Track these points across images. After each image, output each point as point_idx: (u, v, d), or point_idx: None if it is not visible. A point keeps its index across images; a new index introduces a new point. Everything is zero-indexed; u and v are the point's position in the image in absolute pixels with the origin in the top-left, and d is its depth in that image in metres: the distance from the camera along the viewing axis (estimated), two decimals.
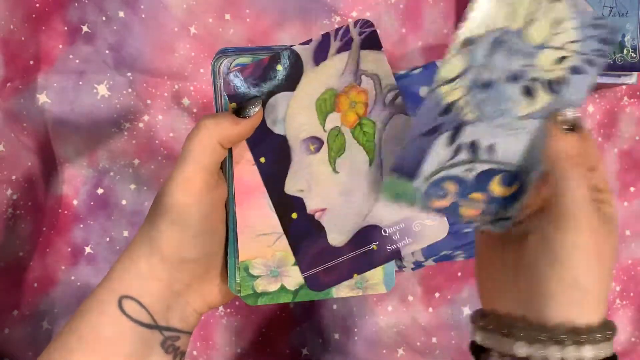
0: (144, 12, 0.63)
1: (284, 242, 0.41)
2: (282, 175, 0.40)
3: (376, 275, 0.42)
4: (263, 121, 0.39)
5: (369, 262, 0.41)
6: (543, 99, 0.37)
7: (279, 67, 0.39)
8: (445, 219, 0.42)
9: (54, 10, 0.62)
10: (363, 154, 0.41)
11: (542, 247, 0.35)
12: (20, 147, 0.60)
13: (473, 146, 0.38)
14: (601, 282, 0.35)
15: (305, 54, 0.39)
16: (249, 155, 0.40)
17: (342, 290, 0.42)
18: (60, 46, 0.62)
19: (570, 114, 0.37)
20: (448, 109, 0.38)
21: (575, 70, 0.37)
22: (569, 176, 0.35)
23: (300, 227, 0.41)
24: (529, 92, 0.37)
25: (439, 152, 0.38)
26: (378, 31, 0.40)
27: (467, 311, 0.68)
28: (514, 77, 0.37)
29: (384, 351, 0.68)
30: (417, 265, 0.63)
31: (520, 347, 0.35)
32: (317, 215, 0.41)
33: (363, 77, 0.40)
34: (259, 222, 0.40)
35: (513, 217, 0.39)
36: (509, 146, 0.38)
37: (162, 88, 0.64)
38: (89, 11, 0.62)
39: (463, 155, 0.38)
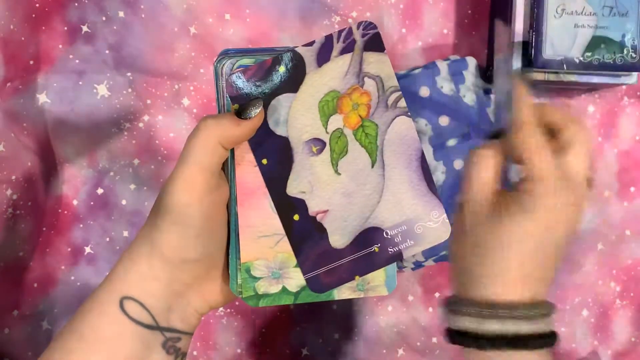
0: (144, 12, 0.62)
1: (285, 243, 0.41)
2: (284, 176, 0.40)
3: (378, 278, 0.42)
4: (265, 122, 0.39)
5: (371, 264, 0.41)
6: None
7: (282, 69, 0.39)
8: (447, 221, 0.42)
9: (54, 10, 0.62)
10: (365, 156, 0.41)
11: (492, 231, 0.40)
12: (20, 147, 0.60)
13: None
14: (526, 264, 0.40)
15: (308, 55, 0.39)
16: (250, 157, 0.40)
17: (343, 292, 0.42)
18: (60, 46, 0.62)
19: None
20: None
21: None
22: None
23: (302, 228, 0.40)
24: None
25: None
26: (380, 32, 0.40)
27: None
28: None
29: (384, 351, 0.68)
30: (417, 265, 0.63)
31: (465, 321, 0.40)
32: (319, 217, 0.41)
33: (366, 78, 0.40)
34: (260, 223, 0.40)
35: None
36: None
37: (162, 88, 0.63)
38: (89, 11, 0.62)
39: None
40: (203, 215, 0.37)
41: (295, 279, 0.41)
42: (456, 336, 0.41)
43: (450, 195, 0.58)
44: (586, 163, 0.40)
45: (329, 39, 0.39)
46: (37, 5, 0.61)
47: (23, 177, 0.60)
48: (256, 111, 0.38)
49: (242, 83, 0.39)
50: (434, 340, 0.68)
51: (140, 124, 0.63)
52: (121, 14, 0.62)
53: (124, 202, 0.64)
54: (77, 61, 0.62)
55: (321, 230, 0.41)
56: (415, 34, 0.66)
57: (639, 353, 0.70)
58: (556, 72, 0.61)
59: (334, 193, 0.41)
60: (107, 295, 0.38)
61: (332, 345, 0.67)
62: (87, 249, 0.64)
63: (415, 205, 0.41)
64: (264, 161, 0.40)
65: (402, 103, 0.41)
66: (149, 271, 0.38)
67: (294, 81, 0.39)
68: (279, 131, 0.40)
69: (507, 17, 0.62)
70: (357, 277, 0.41)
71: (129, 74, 0.63)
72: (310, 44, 0.39)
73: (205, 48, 0.63)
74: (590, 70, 0.60)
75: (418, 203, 0.41)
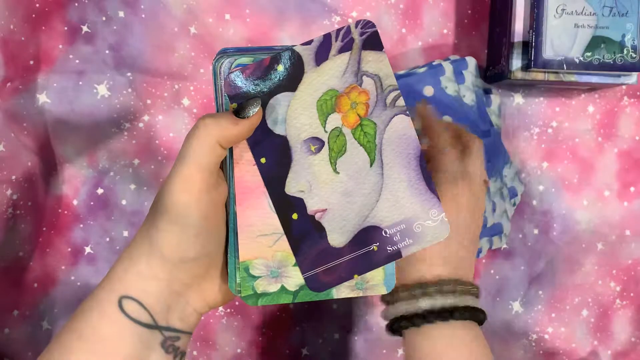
0: (144, 12, 0.63)
1: (284, 242, 0.41)
2: (283, 175, 0.40)
3: (376, 276, 0.42)
4: (264, 121, 0.39)
5: (370, 263, 0.41)
6: None
7: (280, 68, 0.39)
8: (446, 220, 0.42)
9: (54, 10, 0.62)
10: (364, 155, 0.41)
11: None
12: (20, 147, 0.60)
13: None
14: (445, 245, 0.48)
15: (307, 54, 0.39)
16: (249, 156, 0.40)
17: (342, 291, 0.41)
18: (60, 46, 0.62)
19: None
20: None
21: None
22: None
23: (300, 227, 0.40)
24: None
25: None
26: (379, 31, 0.40)
27: None
28: None
29: (384, 351, 0.68)
30: None
31: (400, 306, 0.48)
32: (317, 216, 0.41)
33: (364, 77, 0.40)
34: (259, 222, 0.40)
35: None
36: None
37: (162, 88, 0.63)
38: (89, 11, 0.62)
39: None
40: (202, 214, 0.37)
41: (294, 278, 0.41)
42: (395, 324, 0.48)
43: None
44: (481, 165, 0.50)
45: (327, 38, 0.39)
46: (37, 5, 0.61)
47: (23, 177, 0.60)
48: (254, 110, 0.38)
49: (240, 82, 0.39)
50: None
51: (140, 124, 0.63)
52: (121, 14, 0.62)
53: (124, 202, 0.64)
54: (77, 61, 0.62)
55: (320, 229, 0.41)
56: (415, 34, 0.66)
57: (639, 353, 0.70)
58: (556, 72, 0.61)
59: (333, 192, 0.41)
60: (106, 295, 0.38)
61: (332, 345, 0.67)
62: (87, 249, 0.64)
63: (414, 204, 0.41)
64: (263, 160, 0.40)
65: (401, 102, 0.41)
66: (148, 270, 0.38)
67: (292, 80, 0.39)
68: (278, 130, 0.40)
69: (507, 17, 0.62)
70: (356, 276, 0.41)
71: (129, 74, 0.63)
72: (309, 42, 0.39)
73: (205, 48, 0.64)
74: (590, 70, 0.60)
75: (417, 202, 0.41)
